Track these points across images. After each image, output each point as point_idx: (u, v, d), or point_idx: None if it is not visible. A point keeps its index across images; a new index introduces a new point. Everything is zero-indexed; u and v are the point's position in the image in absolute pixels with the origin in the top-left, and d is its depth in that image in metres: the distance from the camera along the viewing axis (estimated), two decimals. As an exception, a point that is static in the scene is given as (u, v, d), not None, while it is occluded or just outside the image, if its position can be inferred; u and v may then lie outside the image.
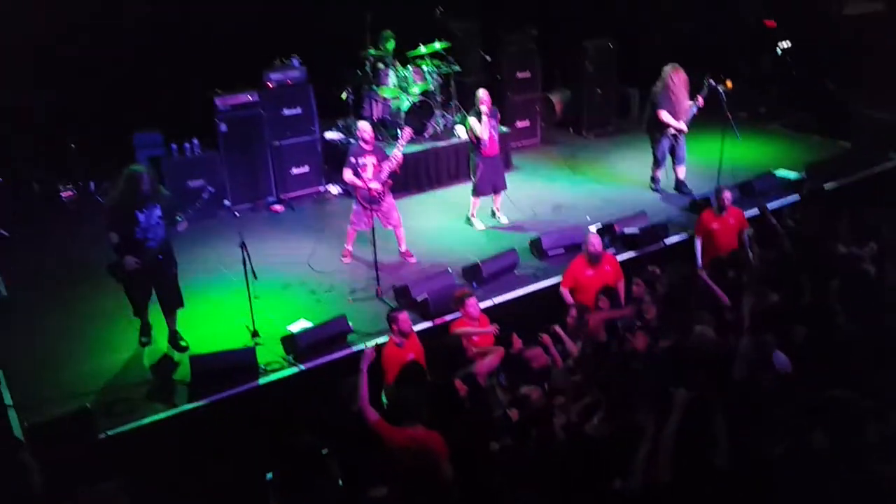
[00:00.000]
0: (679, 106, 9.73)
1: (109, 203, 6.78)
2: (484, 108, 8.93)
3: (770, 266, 7.39)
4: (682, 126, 9.79)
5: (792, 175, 10.29)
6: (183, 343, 7.00)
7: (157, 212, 6.56)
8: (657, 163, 10.17)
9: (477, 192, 9.30)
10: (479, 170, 9.16)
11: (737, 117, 10.01)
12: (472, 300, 6.80)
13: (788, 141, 12.11)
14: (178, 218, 6.64)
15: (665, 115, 9.73)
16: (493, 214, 9.55)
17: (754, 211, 8.71)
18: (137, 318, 7.01)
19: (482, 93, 9.05)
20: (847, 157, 10.99)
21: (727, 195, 8.10)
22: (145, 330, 7.05)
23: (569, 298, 7.30)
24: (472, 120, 9.00)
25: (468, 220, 9.46)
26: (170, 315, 6.99)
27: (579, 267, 7.39)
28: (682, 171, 10.18)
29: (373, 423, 5.03)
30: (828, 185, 10.02)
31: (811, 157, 10.93)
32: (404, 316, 6.44)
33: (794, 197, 9.68)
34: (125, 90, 9.91)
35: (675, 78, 9.68)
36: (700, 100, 9.67)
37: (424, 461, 4.85)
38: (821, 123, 12.22)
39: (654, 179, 10.34)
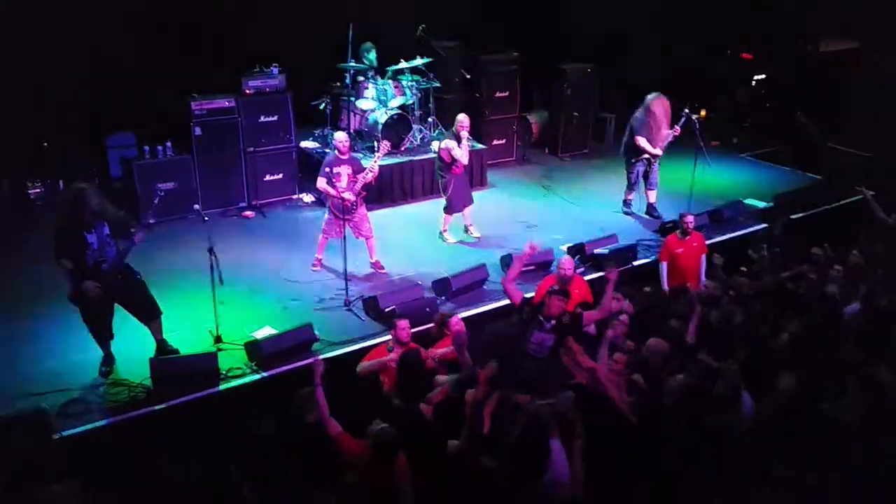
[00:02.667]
0: (657, 133, 9.90)
1: (57, 227, 6.24)
2: (464, 133, 8.99)
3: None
4: (658, 152, 9.96)
5: (760, 204, 10.44)
6: (170, 350, 6.80)
7: (105, 230, 6.25)
8: (630, 186, 10.31)
9: (451, 209, 9.33)
10: (451, 187, 9.19)
11: (709, 146, 10.17)
12: (454, 318, 6.75)
13: (759, 171, 12.30)
14: (131, 231, 6.33)
15: (642, 141, 9.89)
16: (466, 230, 9.57)
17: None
18: (99, 346, 6.65)
19: (463, 117, 9.11)
20: (815, 188, 11.17)
21: (689, 219, 8.27)
22: (107, 360, 6.62)
23: None
24: (450, 143, 9.02)
25: (440, 236, 9.47)
26: (151, 325, 6.74)
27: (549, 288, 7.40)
28: (653, 196, 10.33)
29: (334, 435, 4.97)
30: (795, 216, 10.18)
31: (780, 187, 11.09)
32: (403, 324, 6.36)
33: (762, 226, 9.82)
34: (100, 90, 9.82)
35: (658, 106, 9.87)
36: (677, 129, 9.86)
37: (385, 476, 4.80)
38: (792, 155, 12.44)
39: (626, 202, 10.48)
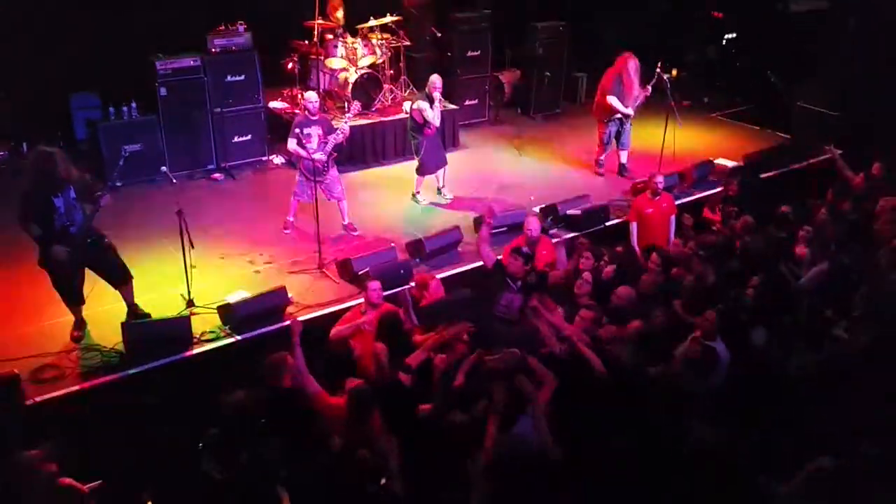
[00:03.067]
0: (629, 93, 9.90)
1: (23, 191, 6.10)
2: (437, 95, 8.90)
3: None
4: (630, 112, 9.97)
5: (730, 164, 10.53)
6: (142, 314, 6.74)
7: (72, 193, 6.13)
8: (602, 146, 10.32)
9: (423, 171, 9.28)
10: (424, 149, 9.13)
11: (680, 106, 10.21)
12: (434, 282, 6.77)
13: (729, 130, 12.38)
14: (97, 194, 6.19)
15: (613, 101, 9.89)
16: (439, 192, 9.54)
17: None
18: (70, 311, 6.57)
19: (435, 78, 9.00)
20: (784, 148, 11.27)
21: (659, 179, 8.31)
22: (78, 325, 6.60)
23: None
24: (423, 104, 8.93)
25: (414, 198, 9.43)
26: (122, 289, 6.66)
27: None
28: (624, 156, 10.38)
29: (312, 393, 5.00)
30: (764, 175, 10.29)
31: (750, 147, 11.18)
32: (374, 285, 6.29)
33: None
34: (63, 49, 9.55)
35: (629, 65, 9.84)
36: (648, 88, 9.91)
37: (363, 436, 4.83)
38: (762, 115, 12.52)
39: (598, 163, 10.52)
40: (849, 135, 10.59)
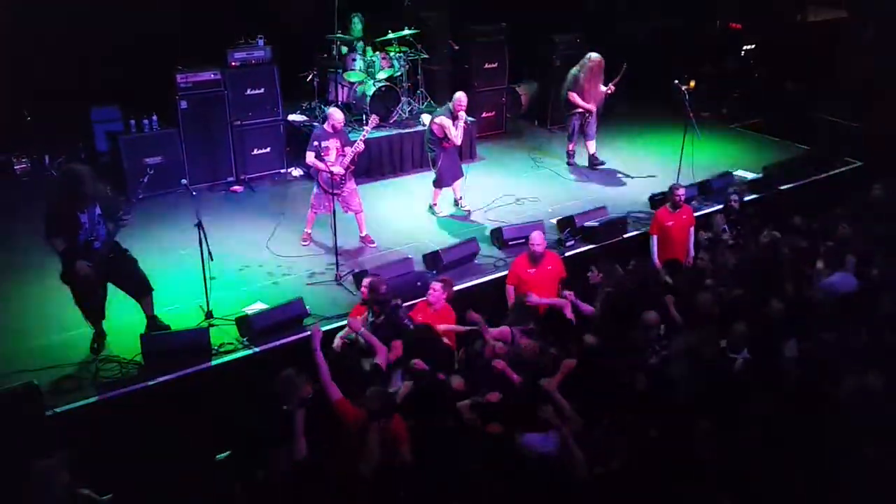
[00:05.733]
0: (593, 90, 10.49)
1: (50, 207, 6.20)
2: (462, 114, 8.95)
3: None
4: (590, 107, 10.57)
5: (749, 175, 10.47)
6: (161, 325, 6.77)
7: (97, 210, 6.21)
8: (570, 139, 10.86)
9: (441, 183, 9.30)
10: (441, 161, 9.15)
11: (699, 117, 10.19)
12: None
13: (748, 142, 12.31)
14: (122, 216, 6.22)
15: (573, 97, 10.54)
16: (456, 203, 9.55)
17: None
18: (91, 326, 6.60)
19: (461, 95, 9.01)
20: (804, 159, 11.20)
21: (680, 192, 8.25)
22: (98, 337, 6.58)
23: (511, 297, 7.30)
24: (445, 120, 8.94)
25: (431, 209, 9.45)
26: (143, 301, 6.69)
27: (521, 265, 7.37)
28: (592, 146, 10.87)
29: (335, 401, 5.01)
30: (784, 187, 10.23)
31: (769, 158, 11.11)
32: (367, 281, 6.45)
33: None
34: (84, 63, 9.68)
35: (592, 65, 10.47)
36: (611, 87, 10.54)
37: (385, 443, 4.84)
38: (780, 126, 12.45)
39: (568, 154, 11.01)
40: (868, 146, 10.52)
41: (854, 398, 5.00)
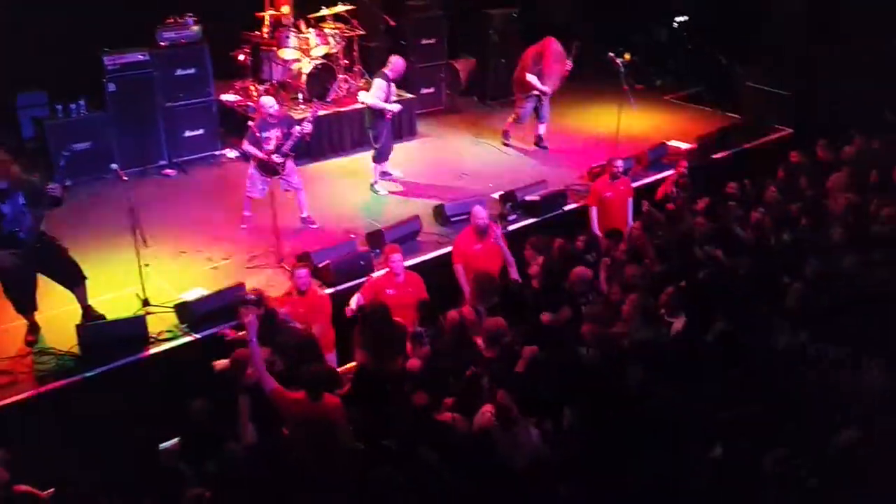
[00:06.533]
0: (548, 71, 10.26)
1: None
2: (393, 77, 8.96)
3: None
4: (546, 89, 10.38)
5: (684, 146, 10.66)
6: (97, 315, 6.61)
7: (20, 199, 6.00)
8: (518, 120, 10.73)
9: (381, 158, 9.25)
10: (383, 136, 9.08)
11: (633, 89, 10.31)
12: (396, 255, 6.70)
13: (682, 113, 12.52)
14: (48, 186, 6.04)
15: (531, 78, 10.27)
16: (386, 175, 9.58)
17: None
18: (24, 317, 6.42)
19: (396, 58, 9.01)
20: (736, 128, 11.44)
21: (618, 164, 8.38)
22: (32, 329, 6.46)
23: (460, 276, 7.17)
24: (380, 81, 8.92)
25: (372, 187, 9.38)
26: (76, 291, 6.52)
27: (467, 242, 7.34)
28: (542, 128, 10.80)
29: (270, 392, 4.95)
30: (717, 156, 10.45)
31: (703, 128, 11.31)
32: (301, 273, 6.35)
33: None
34: (7, 47, 9.25)
35: (551, 48, 10.27)
36: (569, 63, 10.34)
37: (323, 428, 4.82)
38: (713, 96, 12.68)
39: (505, 133, 10.87)
40: (797, 113, 10.79)
41: (784, 355, 5.25)
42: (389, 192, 9.37)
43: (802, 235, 7.29)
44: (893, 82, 10.29)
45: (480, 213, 7.26)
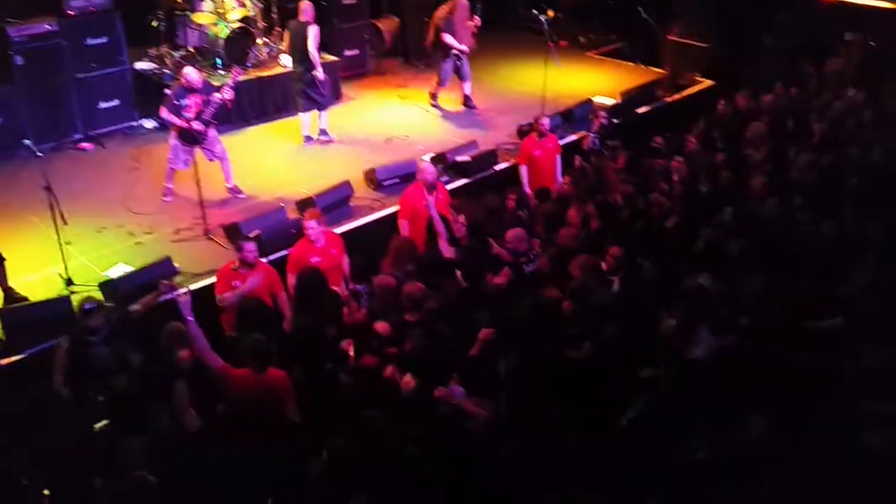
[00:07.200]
0: (462, 29, 10.24)
1: None
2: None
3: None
4: (464, 48, 10.31)
5: (608, 101, 10.77)
6: (19, 297, 6.38)
7: None
8: (441, 82, 10.62)
9: (311, 107, 9.34)
10: (313, 81, 9.16)
11: (558, 46, 10.34)
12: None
13: (606, 68, 12.63)
14: None
15: (448, 38, 10.22)
16: (324, 133, 9.52)
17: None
18: None
19: (305, 4, 9.07)
20: (659, 82, 11.61)
21: (545, 121, 8.43)
22: None
23: (407, 231, 7.15)
24: (315, 28, 9.06)
25: (307, 141, 9.44)
26: None
27: (416, 196, 7.28)
28: (467, 87, 10.72)
29: (216, 369, 4.84)
30: (641, 110, 10.61)
31: (626, 83, 11.46)
32: (250, 246, 6.12)
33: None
34: None
35: (460, 4, 10.23)
36: (476, 19, 10.33)
37: (268, 403, 4.76)
38: (636, 51, 12.82)
39: (432, 96, 10.79)
40: (718, 66, 11.00)
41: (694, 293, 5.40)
42: (322, 141, 9.51)
43: (724, 184, 7.49)
44: (812, 31, 10.61)
45: (429, 168, 7.23)
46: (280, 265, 6.62)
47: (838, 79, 10.13)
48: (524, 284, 6.07)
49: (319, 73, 9.12)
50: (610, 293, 5.77)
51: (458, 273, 6.19)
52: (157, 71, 10.07)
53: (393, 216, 7.61)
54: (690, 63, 11.87)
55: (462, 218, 6.98)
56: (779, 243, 6.19)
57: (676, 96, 11.26)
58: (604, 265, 5.99)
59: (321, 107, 9.39)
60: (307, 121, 9.45)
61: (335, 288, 6.15)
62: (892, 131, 8.26)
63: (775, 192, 6.99)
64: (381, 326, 5.50)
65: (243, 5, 10.28)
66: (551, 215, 7.22)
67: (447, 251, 6.66)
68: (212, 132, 7.93)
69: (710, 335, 4.97)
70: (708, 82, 11.64)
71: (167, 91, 7.90)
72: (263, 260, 6.66)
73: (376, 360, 5.13)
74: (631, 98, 10.75)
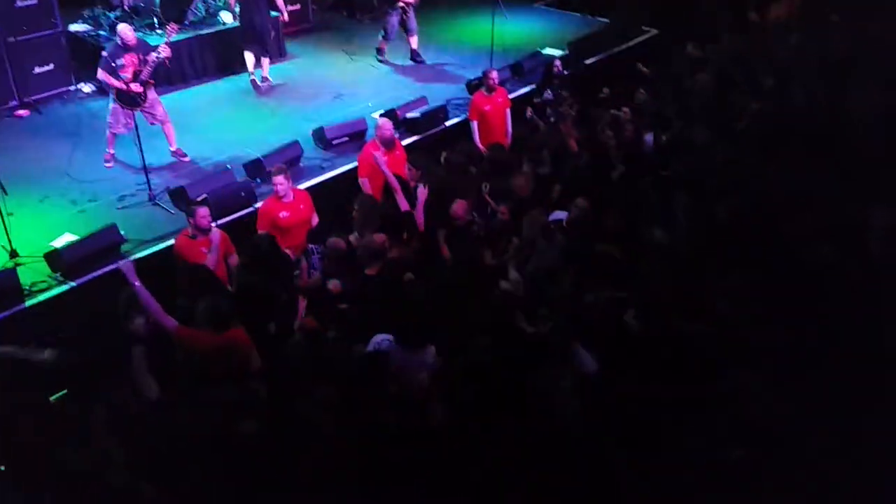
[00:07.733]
0: None
1: None
2: None
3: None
4: (411, 0, 10.26)
5: (556, 53, 10.74)
6: None
7: None
8: (386, 36, 10.51)
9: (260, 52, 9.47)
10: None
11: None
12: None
13: (552, 19, 12.56)
14: None
15: None
16: (263, 80, 9.53)
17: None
18: None
19: None
20: (605, 32, 11.61)
21: (493, 75, 8.36)
22: None
23: (367, 189, 7.05)
24: None
25: (258, 80, 9.55)
26: None
27: (375, 153, 7.25)
28: (414, 42, 10.61)
29: (173, 330, 4.79)
30: (589, 61, 10.60)
31: (574, 33, 11.42)
32: (203, 211, 5.96)
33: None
34: None
35: None
36: None
37: (232, 359, 4.75)
38: (583, 1, 12.76)
39: (379, 51, 10.67)
40: (665, 14, 11.03)
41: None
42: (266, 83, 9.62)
43: (673, 134, 7.57)
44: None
45: (386, 125, 7.13)
46: (230, 229, 6.53)
47: (782, 25, 10.26)
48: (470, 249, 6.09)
49: (285, 16, 9.44)
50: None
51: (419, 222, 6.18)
52: (92, 33, 9.69)
53: (344, 175, 7.53)
54: (638, 12, 11.86)
55: (417, 174, 6.92)
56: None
57: (623, 46, 11.26)
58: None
59: (268, 53, 9.44)
60: (253, 62, 9.51)
61: (286, 250, 6.09)
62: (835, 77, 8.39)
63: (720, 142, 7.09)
64: (333, 285, 5.52)
65: (179, -39, 9.91)
66: (503, 166, 7.20)
67: (405, 205, 6.60)
68: (152, 94, 7.70)
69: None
70: (654, 31, 11.66)
71: (103, 53, 7.62)
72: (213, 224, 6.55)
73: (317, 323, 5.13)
74: (578, 48, 10.73)
